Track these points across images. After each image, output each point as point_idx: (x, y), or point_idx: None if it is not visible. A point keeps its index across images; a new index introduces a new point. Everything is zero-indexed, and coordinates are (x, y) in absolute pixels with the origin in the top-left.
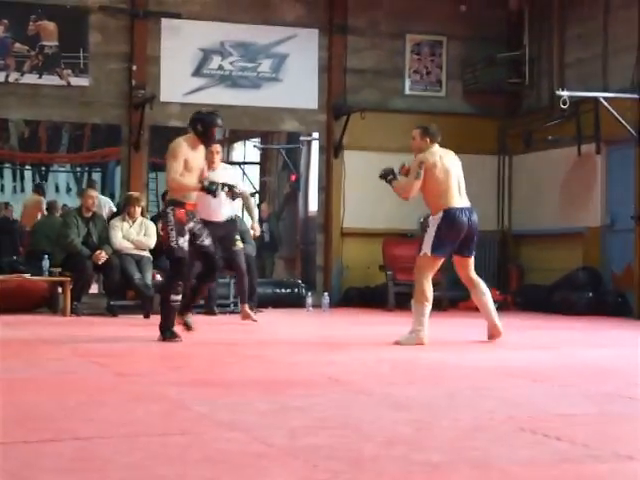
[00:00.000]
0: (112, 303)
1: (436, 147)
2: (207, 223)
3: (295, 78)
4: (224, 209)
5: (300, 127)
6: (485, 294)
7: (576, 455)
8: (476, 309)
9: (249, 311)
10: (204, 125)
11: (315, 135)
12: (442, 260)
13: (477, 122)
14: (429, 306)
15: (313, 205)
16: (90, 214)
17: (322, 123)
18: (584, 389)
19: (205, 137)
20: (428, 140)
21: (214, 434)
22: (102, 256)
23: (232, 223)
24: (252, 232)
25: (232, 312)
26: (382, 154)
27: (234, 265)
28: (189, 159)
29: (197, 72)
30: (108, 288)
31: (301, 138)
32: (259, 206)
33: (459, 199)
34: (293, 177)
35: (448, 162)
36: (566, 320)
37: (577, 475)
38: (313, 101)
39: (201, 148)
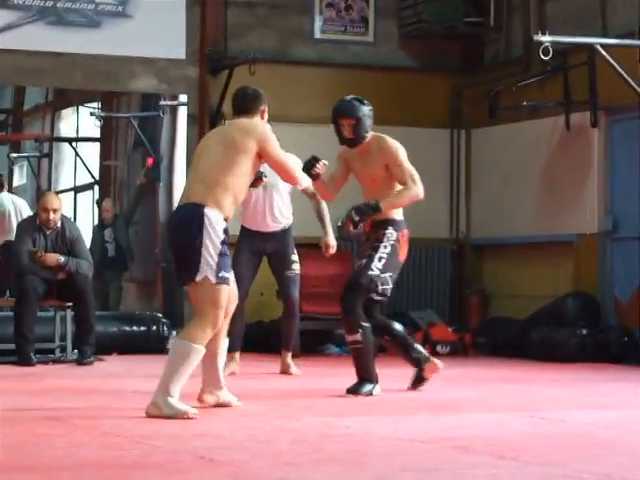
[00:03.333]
0: None
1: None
2: (252, 234)
3: (152, 14)
4: (274, 214)
5: (160, 86)
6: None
7: None
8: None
9: (290, 362)
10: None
11: (182, 98)
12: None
13: (420, 80)
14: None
15: None
16: None
17: (192, 80)
18: (572, 469)
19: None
20: None
21: None
22: None
23: (286, 235)
24: (327, 248)
25: (57, 361)
26: (282, 125)
27: (283, 295)
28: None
29: (3, 2)
30: None
31: (162, 103)
32: (99, 204)
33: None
34: (150, 161)
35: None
36: (549, 369)
37: None
38: (179, 48)
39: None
